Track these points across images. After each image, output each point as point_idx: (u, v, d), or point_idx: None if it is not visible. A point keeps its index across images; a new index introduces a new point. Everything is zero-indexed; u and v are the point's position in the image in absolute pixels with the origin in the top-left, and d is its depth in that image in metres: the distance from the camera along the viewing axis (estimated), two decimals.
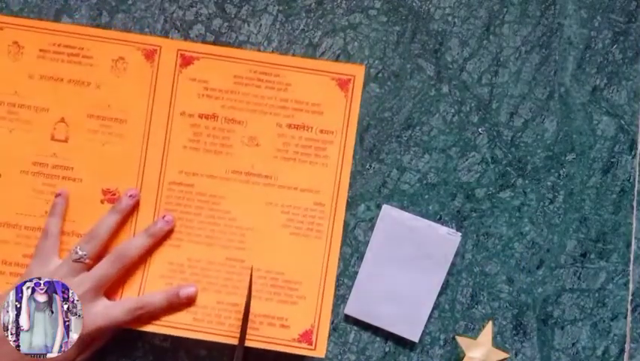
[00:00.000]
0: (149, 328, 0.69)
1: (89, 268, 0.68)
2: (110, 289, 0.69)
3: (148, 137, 0.72)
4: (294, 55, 0.74)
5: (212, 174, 0.72)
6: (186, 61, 0.73)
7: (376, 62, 0.75)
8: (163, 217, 0.71)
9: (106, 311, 0.67)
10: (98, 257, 0.68)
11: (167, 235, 0.71)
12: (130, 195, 0.71)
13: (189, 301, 0.69)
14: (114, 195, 0.72)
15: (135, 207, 0.71)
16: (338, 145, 0.72)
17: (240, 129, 0.72)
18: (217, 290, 0.70)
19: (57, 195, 0.71)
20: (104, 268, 0.68)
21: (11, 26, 0.74)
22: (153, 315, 0.69)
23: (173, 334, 0.69)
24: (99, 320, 0.66)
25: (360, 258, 0.72)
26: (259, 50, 0.75)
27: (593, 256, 0.73)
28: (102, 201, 0.72)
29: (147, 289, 0.70)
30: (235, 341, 0.68)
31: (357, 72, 0.73)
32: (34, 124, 0.73)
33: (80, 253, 0.68)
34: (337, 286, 0.72)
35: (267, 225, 0.71)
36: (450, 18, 0.75)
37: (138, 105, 0.73)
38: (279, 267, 0.70)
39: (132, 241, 0.70)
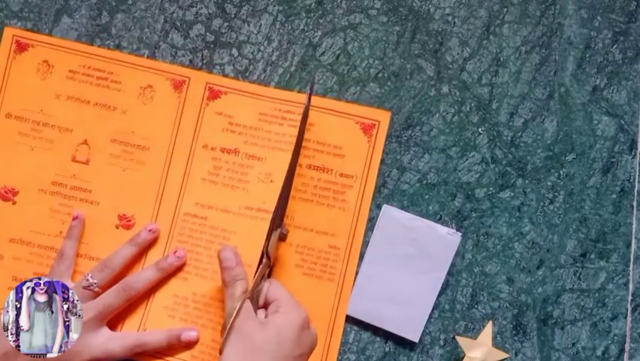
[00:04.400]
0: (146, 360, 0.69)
1: (96, 296, 0.68)
2: (113, 317, 0.69)
3: (169, 166, 0.72)
4: (322, 96, 0.74)
5: (226, 208, 0.72)
6: (214, 94, 0.73)
7: (376, 62, 0.75)
8: (175, 252, 0.70)
9: (105, 344, 0.67)
10: (107, 286, 0.68)
11: (177, 268, 0.71)
12: (149, 230, 0.71)
13: (189, 346, 0.68)
14: (130, 221, 0.72)
15: (153, 242, 0.71)
16: (357, 190, 0.72)
17: (258, 166, 0.72)
18: (213, 328, 0.69)
19: (74, 218, 0.71)
20: (110, 298, 0.67)
21: (43, 45, 0.75)
22: (151, 352, 0.69)
23: None
24: (97, 351, 0.66)
25: (360, 258, 0.72)
26: (259, 49, 0.75)
27: (593, 256, 0.73)
28: (117, 227, 0.72)
29: (150, 318, 0.70)
30: None
31: (382, 118, 0.72)
32: (56, 144, 0.73)
33: (91, 280, 0.68)
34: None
35: (281, 263, 0.71)
36: (450, 18, 0.75)
37: (162, 134, 0.73)
38: None
39: (141, 274, 0.69)
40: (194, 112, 0.73)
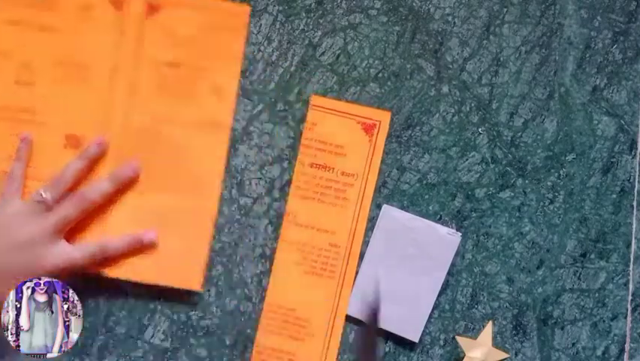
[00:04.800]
0: (110, 272, 0.69)
1: (50, 210, 0.67)
2: (72, 233, 0.69)
3: (114, 83, 0.72)
4: (323, 95, 0.74)
5: (177, 121, 0.72)
6: (153, 9, 0.73)
7: (376, 62, 0.75)
8: (129, 164, 0.70)
9: (65, 253, 0.67)
10: (60, 201, 0.68)
11: (131, 181, 0.71)
12: (98, 143, 0.70)
13: (151, 245, 0.69)
14: (78, 140, 0.72)
15: (102, 155, 0.71)
16: (358, 188, 0.72)
17: (206, 77, 0.72)
18: (179, 237, 0.70)
19: (21, 140, 0.71)
20: (65, 209, 0.67)
21: None
22: (114, 259, 0.69)
23: (134, 279, 0.69)
24: (58, 260, 0.66)
25: (360, 258, 0.72)
26: (259, 49, 0.75)
27: (593, 256, 0.73)
28: (65, 147, 0.72)
29: (109, 234, 0.70)
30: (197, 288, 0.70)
31: (383, 118, 0.73)
32: None
33: (44, 195, 0.67)
34: None
35: (282, 261, 0.71)
36: (450, 18, 0.75)
37: (105, 52, 0.73)
38: (291, 303, 0.71)
39: (95, 185, 0.69)
40: (135, 28, 0.73)
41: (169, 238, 0.70)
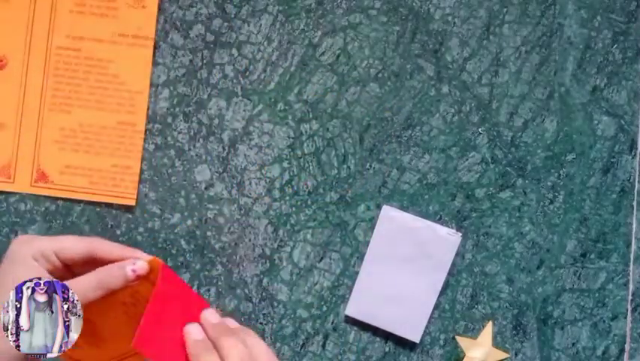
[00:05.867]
0: (47, 192, 0.72)
1: None
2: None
3: (35, 2, 0.73)
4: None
5: (98, 37, 0.73)
6: None
7: (376, 62, 0.75)
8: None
9: None
10: None
11: (56, 100, 0.72)
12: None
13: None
14: (1, 61, 0.73)
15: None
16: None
17: None
18: (111, 154, 0.72)
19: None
20: None
21: None
22: None
23: (72, 198, 0.71)
24: None
25: (360, 258, 0.72)
26: (259, 49, 0.75)
27: (593, 256, 0.73)
28: None
29: (42, 154, 0.72)
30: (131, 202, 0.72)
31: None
32: None
33: None
34: (337, 287, 0.72)
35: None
36: (450, 18, 0.75)
37: None
38: None
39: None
40: None
41: (99, 156, 0.72)
